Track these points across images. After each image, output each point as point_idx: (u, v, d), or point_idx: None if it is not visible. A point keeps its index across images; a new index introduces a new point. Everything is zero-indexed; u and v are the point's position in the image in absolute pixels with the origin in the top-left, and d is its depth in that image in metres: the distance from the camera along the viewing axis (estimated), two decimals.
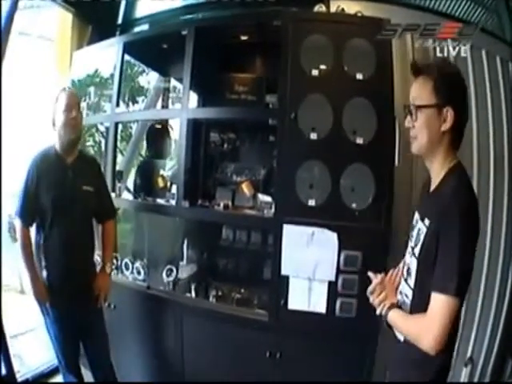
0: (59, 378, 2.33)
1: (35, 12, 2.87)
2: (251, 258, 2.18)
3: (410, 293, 1.07)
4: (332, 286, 1.74)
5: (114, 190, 2.22)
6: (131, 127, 2.65)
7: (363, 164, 1.72)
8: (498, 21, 2.23)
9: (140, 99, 2.52)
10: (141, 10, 2.84)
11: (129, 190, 2.35)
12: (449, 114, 0.98)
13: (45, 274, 1.73)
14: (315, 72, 1.76)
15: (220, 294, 2.04)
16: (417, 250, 1.03)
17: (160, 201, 2.17)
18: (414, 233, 1.08)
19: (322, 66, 1.76)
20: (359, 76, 1.74)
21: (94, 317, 1.87)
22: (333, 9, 2.14)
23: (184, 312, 1.99)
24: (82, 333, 1.84)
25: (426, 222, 1.01)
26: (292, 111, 1.75)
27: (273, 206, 1.82)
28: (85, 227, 1.83)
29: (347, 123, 1.72)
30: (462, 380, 2.21)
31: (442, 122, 0.99)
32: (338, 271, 1.73)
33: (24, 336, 2.77)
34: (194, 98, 2.20)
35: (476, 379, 2.35)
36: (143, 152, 2.68)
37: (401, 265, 1.17)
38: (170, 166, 2.47)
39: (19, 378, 2.24)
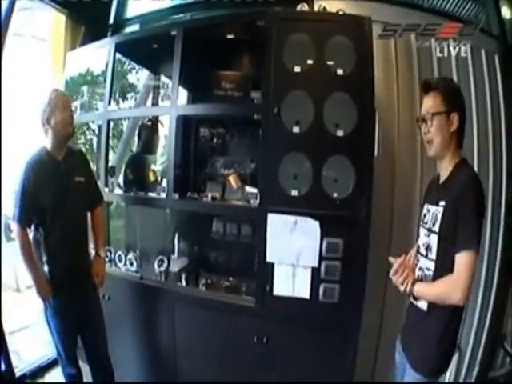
0: (55, 372, 2.43)
1: (28, 14, 2.92)
2: (240, 249, 2.24)
3: (432, 265, 1.30)
4: (315, 272, 1.81)
5: (106, 185, 2.30)
6: (122, 124, 2.72)
7: (344, 155, 1.78)
8: (485, 14, 2.28)
9: (129, 96, 2.59)
10: (131, 11, 2.91)
11: (120, 187, 2.41)
12: (455, 118, 1.29)
13: (46, 268, 1.78)
14: (297, 69, 1.83)
15: (209, 282, 2.11)
16: (436, 228, 1.28)
17: (151, 194, 2.23)
18: (429, 217, 1.34)
19: (304, 63, 1.82)
20: (340, 72, 1.80)
21: (93, 308, 1.93)
22: (316, 7, 2.23)
23: (176, 300, 2.06)
24: (82, 324, 1.89)
25: (442, 203, 1.28)
26: (275, 106, 1.82)
27: (258, 197, 1.90)
28: (81, 218, 1.91)
29: (328, 117, 1.79)
30: (449, 369, 2.29)
31: (450, 125, 1.30)
32: (321, 258, 1.80)
33: (20, 333, 2.85)
34: (183, 94, 2.27)
35: (464, 367, 2.40)
36: (134, 148, 2.75)
37: (411, 252, 1.40)
38: (162, 161, 2.54)
39: (17, 373, 2.31)
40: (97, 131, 2.64)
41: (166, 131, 2.18)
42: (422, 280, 1.32)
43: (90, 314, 1.92)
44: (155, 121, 2.51)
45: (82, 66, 2.65)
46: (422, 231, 1.38)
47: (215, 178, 2.31)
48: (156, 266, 2.14)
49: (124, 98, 2.50)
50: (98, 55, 2.45)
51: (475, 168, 2.14)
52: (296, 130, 1.82)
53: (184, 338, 2.05)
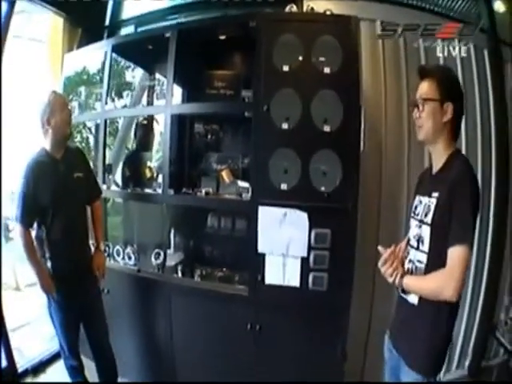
0: (56, 367, 2.50)
1: (26, 16, 2.99)
2: (233, 242, 2.30)
3: (423, 257, 1.26)
4: (304, 261, 1.89)
5: (104, 182, 2.37)
6: (117, 122, 2.80)
7: (331, 150, 1.86)
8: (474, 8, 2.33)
9: (125, 94, 2.67)
10: (127, 12, 2.99)
11: (117, 185, 2.48)
12: (449, 108, 1.24)
13: (49, 264, 1.83)
14: (286, 68, 1.90)
15: (204, 273, 2.19)
16: (428, 219, 1.24)
17: (148, 190, 2.31)
18: (420, 209, 1.31)
19: (293, 63, 1.89)
20: (327, 70, 1.87)
21: (94, 300, 2.00)
22: (305, 8, 2.30)
23: (172, 291, 2.14)
24: (84, 316, 1.95)
25: (435, 194, 1.24)
26: (265, 104, 1.89)
27: (250, 191, 1.98)
28: (82, 213, 1.98)
29: (315, 113, 1.87)
30: None
31: (443, 114, 1.25)
32: (310, 248, 1.87)
33: (21, 330, 2.91)
34: (177, 93, 2.34)
35: (456, 358, 2.47)
36: (130, 145, 2.82)
37: (402, 244, 1.33)
38: (157, 158, 2.61)
39: (18, 368, 2.37)
40: (93, 130, 2.71)
41: (162, 128, 2.25)
42: (412, 273, 1.28)
43: (92, 305, 1.99)
44: (151, 119, 2.57)
45: (80, 67, 2.71)
46: (413, 223, 1.34)
47: (209, 173, 2.38)
48: (153, 259, 2.21)
49: (120, 96, 2.57)
50: (96, 57, 2.52)
51: (479, 166, 2.27)
52: (285, 126, 1.89)
53: (180, 326, 2.13)
